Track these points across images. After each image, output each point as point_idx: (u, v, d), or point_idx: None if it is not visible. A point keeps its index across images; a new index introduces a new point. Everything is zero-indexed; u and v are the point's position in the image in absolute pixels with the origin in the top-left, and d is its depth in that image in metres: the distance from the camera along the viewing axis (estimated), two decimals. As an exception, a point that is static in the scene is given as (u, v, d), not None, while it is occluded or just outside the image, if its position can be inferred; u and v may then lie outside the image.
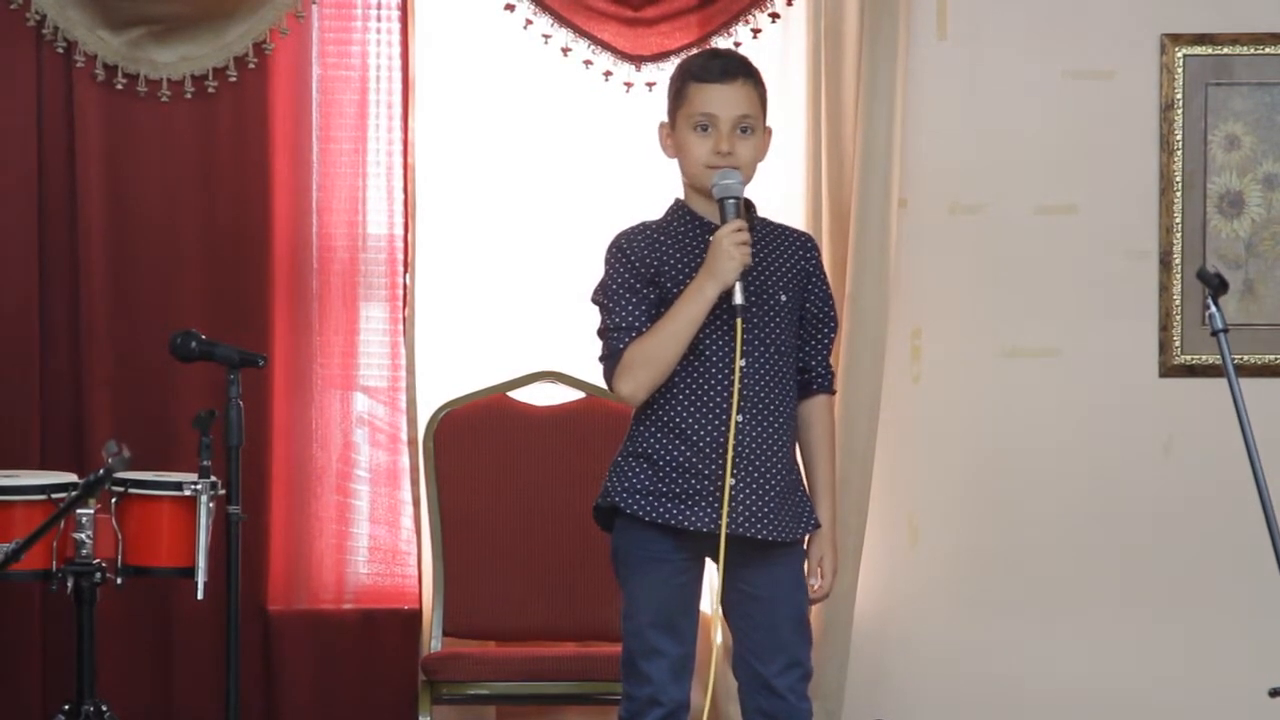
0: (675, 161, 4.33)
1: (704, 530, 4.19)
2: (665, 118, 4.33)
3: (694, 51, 5.27)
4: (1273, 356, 6.04)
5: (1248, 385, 4.63)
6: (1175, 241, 6.03)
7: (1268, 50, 6.02)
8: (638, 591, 4.26)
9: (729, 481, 4.17)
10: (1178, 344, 6.03)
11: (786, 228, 4.41)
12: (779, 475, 4.25)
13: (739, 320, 4.14)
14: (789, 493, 4.27)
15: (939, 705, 6.05)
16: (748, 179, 4.25)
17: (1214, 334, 4.45)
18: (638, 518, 4.22)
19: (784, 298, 4.27)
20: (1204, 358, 5.99)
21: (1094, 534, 6.04)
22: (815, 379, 4.36)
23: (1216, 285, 4.44)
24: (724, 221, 4.17)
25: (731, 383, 4.18)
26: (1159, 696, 6.03)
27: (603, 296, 4.28)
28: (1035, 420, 6.05)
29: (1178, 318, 6.02)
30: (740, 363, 4.18)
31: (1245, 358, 5.93)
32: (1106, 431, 6.04)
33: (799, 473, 4.33)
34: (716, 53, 4.43)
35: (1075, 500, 6.04)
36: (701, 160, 4.23)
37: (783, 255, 4.32)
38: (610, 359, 4.25)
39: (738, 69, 4.28)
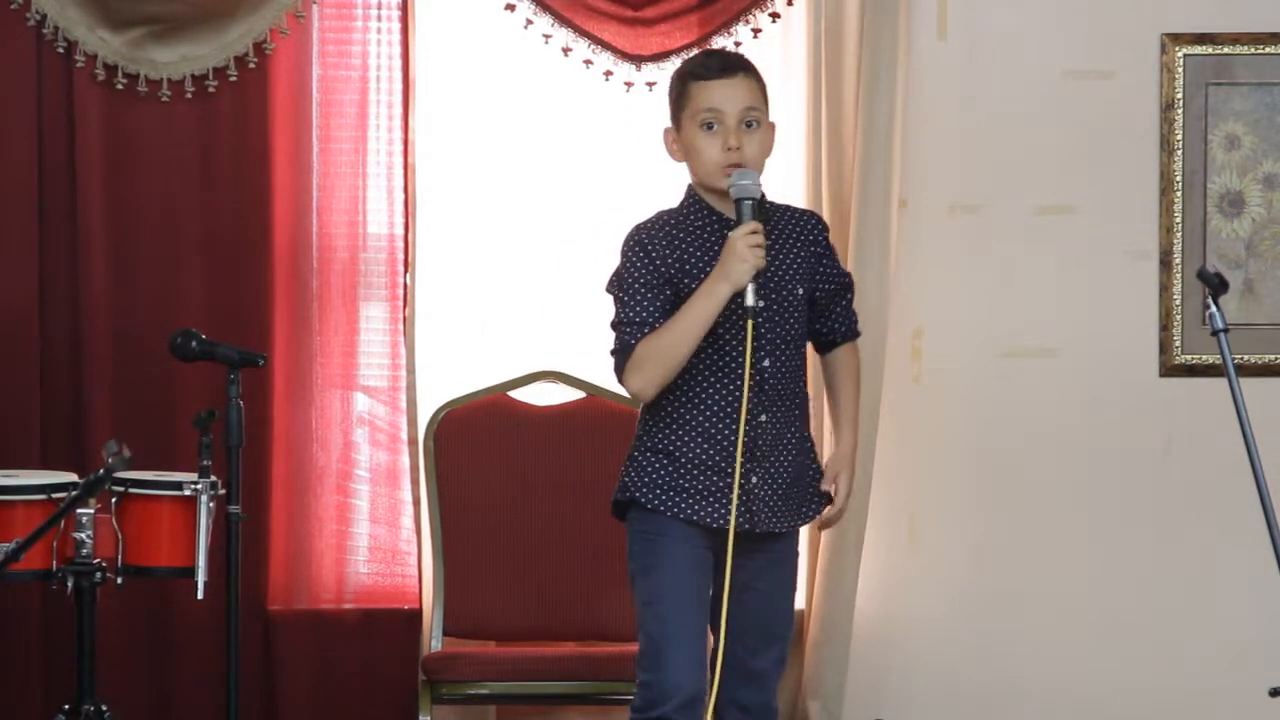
0: (678, 162, 4.34)
1: (725, 527, 4.20)
2: (669, 123, 4.34)
3: (693, 53, 5.28)
4: (1273, 356, 6.04)
5: (1248, 385, 4.63)
6: (1175, 241, 6.02)
7: (1268, 50, 6.02)
8: (661, 577, 4.27)
9: (738, 479, 4.19)
10: (1178, 344, 6.03)
11: (795, 210, 4.43)
12: (790, 464, 4.29)
13: (750, 321, 4.16)
14: (798, 479, 4.32)
15: (939, 705, 6.04)
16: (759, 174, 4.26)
17: (1214, 334, 4.45)
18: (658, 512, 4.24)
19: (800, 291, 4.33)
20: (1204, 358, 5.99)
21: (1094, 534, 6.04)
22: (841, 334, 4.48)
23: (1216, 285, 4.44)
24: (739, 222, 4.18)
25: (754, 381, 4.21)
26: (1159, 696, 6.02)
27: (618, 289, 4.29)
28: (1035, 420, 6.04)
29: (1178, 318, 6.02)
30: (764, 363, 4.23)
31: (1245, 358, 5.93)
32: (1106, 431, 6.04)
33: (809, 454, 4.37)
34: (712, 52, 4.50)
35: (1075, 500, 6.04)
36: (714, 160, 4.25)
37: (795, 245, 4.35)
38: (622, 353, 4.26)
39: (737, 64, 4.32)
